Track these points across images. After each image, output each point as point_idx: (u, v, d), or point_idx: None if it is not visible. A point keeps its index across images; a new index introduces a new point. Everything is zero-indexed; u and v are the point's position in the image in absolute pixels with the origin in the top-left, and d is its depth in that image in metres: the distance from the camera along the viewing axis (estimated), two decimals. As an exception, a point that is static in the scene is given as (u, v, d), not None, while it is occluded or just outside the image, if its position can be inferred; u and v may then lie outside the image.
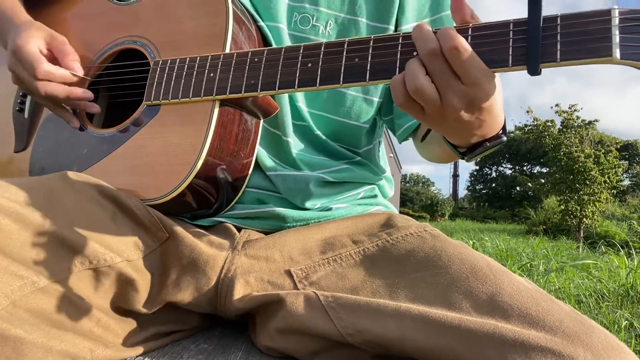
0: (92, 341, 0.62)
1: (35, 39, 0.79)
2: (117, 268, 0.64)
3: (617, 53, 0.50)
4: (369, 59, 0.62)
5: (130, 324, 0.68)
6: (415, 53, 0.59)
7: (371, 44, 0.63)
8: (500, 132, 0.67)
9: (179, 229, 0.72)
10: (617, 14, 0.50)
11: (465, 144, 0.68)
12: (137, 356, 0.68)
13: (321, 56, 0.66)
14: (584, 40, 0.51)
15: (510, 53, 0.54)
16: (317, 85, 0.65)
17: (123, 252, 0.66)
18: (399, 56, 0.61)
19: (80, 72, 0.81)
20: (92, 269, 0.62)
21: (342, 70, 0.64)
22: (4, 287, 0.54)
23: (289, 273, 0.71)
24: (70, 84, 0.80)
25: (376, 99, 0.89)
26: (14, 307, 0.54)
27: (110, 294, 0.65)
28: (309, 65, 0.66)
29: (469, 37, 0.57)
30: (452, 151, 0.73)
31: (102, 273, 0.63)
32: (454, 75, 0.56)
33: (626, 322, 2.75)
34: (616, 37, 0.50)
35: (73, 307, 0.60)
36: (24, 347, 0.54)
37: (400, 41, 0.61)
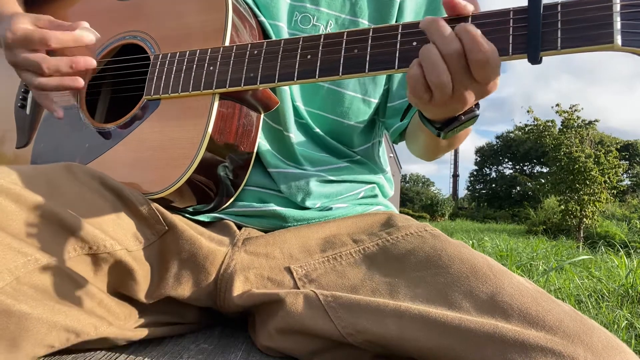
0: (96, 318, 0.62)
1: (22, 24, 0.76)
2: (116, 255, 0.64)
3: (618, 40, 0.50)
4: (368, 50, 0.62)
5: (130, 309, 0.69)
6: (414, 43, 0.59)
7: (370, 34, 0.63)
8: (474, 106, 0.66)
9: (179, 223, 0.72)
10: (618, 1, 0.50)
11: (440, 119, 0.68)
12: (137, 350, 0.68)
13: (320, 48, 0.66)
14: (585, 27, 0.51)
15: (511, 42, 0.54)
16: (317, 76, 0.65)
17: (123, 241, 0.66)
18: (398, 47, 0.61)
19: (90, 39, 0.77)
20: (91, 255, 0.63)
21: (342, 62, 0.64)
22: (8, 263, 0.54)
23: (288, 270, 0.71)
24: (68, 74, 0.76)
25: (374, 101, 0.89)
26: (18, 283, 0.54)
27: (109, 280, 0.65)
28: (308, 56, 0.66)
29: None
30: (428, 129, 0.71)
31: (102, 259, 0.64)
32: (471, 75, 0.56)
33: (626, 322, 2.74)
34: (617, 24, 0.50)
35: (76, 285, 0.61)
36: (28, 322, 0.54)
37: (399, 31, 0.61)
